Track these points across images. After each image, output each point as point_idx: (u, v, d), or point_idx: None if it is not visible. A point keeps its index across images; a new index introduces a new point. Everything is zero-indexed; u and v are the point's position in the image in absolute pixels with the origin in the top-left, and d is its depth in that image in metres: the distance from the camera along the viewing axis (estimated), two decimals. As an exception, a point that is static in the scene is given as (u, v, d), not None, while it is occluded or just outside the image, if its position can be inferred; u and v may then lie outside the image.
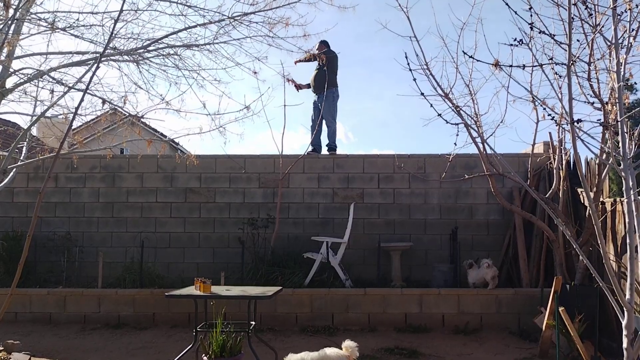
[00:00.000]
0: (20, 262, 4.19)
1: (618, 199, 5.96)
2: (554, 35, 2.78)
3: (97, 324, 7.09)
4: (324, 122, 8.91)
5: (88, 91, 5.75)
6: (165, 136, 8.80)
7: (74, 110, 6.20)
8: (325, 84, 8.67)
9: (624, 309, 2.75)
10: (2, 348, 5.39)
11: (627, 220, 2.73)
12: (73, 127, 10.66)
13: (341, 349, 4.57)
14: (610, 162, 3.23)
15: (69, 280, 7.97)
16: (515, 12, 2.72)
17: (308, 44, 6.78)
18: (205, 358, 4.82)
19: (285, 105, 8.42)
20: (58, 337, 6.47)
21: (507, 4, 2.66)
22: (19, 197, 8.54)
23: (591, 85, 4.63)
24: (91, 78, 3.32)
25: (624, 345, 2.71)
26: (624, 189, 2.57)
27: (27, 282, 7.52)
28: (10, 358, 5.12)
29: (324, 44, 8.97)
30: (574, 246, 2.91)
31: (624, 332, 2.73)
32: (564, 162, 7.26)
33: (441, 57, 6.19)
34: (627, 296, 2.76)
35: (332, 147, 8.94)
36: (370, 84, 52.11)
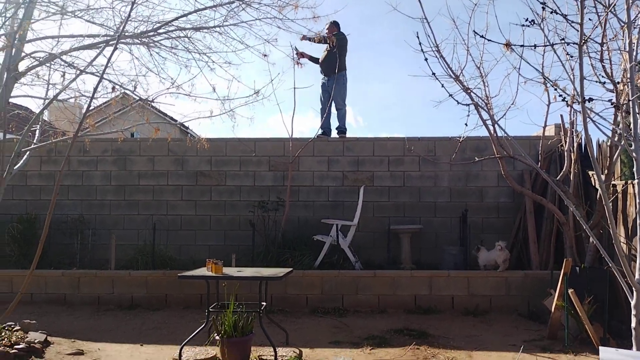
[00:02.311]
0: (41, 241, 4.27)
1: (629, 181, 5.93)
2: (567, 15, 2.75)
3: (110, 305, 7.21)
4: (333, 105, 8.90)
5: (99, 75, 5.80)
6: (175, 120, 8.85)
7: (84, 94, 6.27)
8: (334, 67, 8.64)
9: (633, 289, 2.76)
10: (20, 327, 5.50)
11: (638, 201, 2.73)
12: (86, 111, 10.75)
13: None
14: (622, 143, 3.22)
15: (82, 262, 8.10)
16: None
17: (318, 25, 6.76)
18: (217, 337, 4.90)
19: (295, 88, 8.40)
20: (73, 317, 6.59)
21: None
22: (32, 180, 8.65)
23: (603, 66, 4.59)
24: (108, 62, 3.33)
25: (633, 324, 2.73)
26: (634, 170, 2.57)
27: (42, 264, 7.59)
28: (27, 337, 5.23)
29: (334, 25, 8.92)
30: (584, 228, 2.91)
31: (633, 312, 2.75)
32: (575, 145, 7.22)
33: (452, 38, 6.18)
34: (637, 277, 2.77)
35: (342, 130, 8.94)
36: (377, 67, 51.75)
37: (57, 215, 8.29)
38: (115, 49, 3.92)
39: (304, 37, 8.41)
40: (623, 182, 6.24)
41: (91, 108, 9.64)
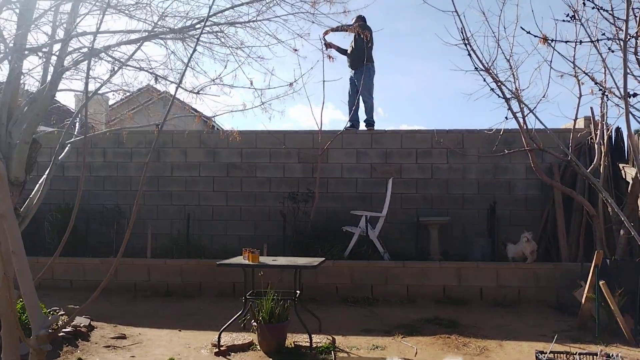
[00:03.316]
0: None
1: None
2: (612, 11, 2.81)
3: (146, 292, 7.45)
4: (360, 97, 8.99)
5: (139, 68, 5.98)
6: (204, 116, 9.03)
7: (123, 87, 6.48)
8: (361, 60, 8.72)
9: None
10: (64, 312, 5.75)
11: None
12: (113, 103, 10.98)
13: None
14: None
15: (118, 250, 8.33)
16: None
17: (348, 20, 6.85)
18: (254, 324, 5.08)
19: (324, 81, 8.50)
20: (111, 303, 6.83)
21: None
22: (69, 171, 8.92)
23: (637, 59, 4.61)
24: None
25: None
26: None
27: (80, 252, 7.91)
28: (72, 321, 5.46)
29: (360, 19, 8.99)
30: (622, 219, 2.98)
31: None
32: (605, 137, 7.21)
33: (482, 32, 6.20)
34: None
35: (370, 122, 9.03)
36: (399, 59, 51.45)
37: (92, 205, 8.56)
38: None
39: (327, 32, 8.52)
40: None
41: (122, 99, 9.87)
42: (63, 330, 5.15)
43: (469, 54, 3.68)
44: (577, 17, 2.94)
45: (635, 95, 2.68)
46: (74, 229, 8.09)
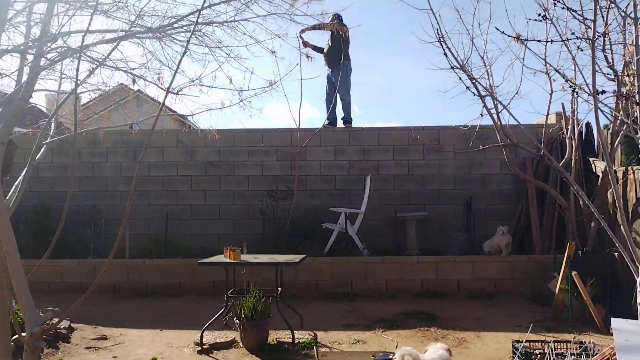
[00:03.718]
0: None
1: (630, 168, 6.13)
2: (579, 11, 2.92)
3: (127, 292, 7.41)
4: (338, 95, 9.06)
5: (116, 68, 5.94)
6: (181, 116, 9.01)
7: (98, 87, 6.44)
8: (338, 58, 8.80)
9: (639, 268, 2.97)
10: (43, 314, 5.68)
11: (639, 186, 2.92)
12: (87, 101, 10.86)
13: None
14: (624, 128, 3.39)
15: (96, 251, 8.28)
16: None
17: (325, 20, 6.92)
18: (236, 321, 5.11)
19: (301, 79, 8.56)
20: (91, 304, 6.77)
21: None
22: (44, 172, 8.80)
23: (605, 57, 4.77)
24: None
25: (639, 300, 2.94)
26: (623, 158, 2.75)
27: (58, 254, 7.79)
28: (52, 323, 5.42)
29: (337, 18, 9.04)
30: (593, 211, 3.10)
31: (638, 289, 2.96)
32: (576, 133, 7.41)
33: (457, 29, 6.32)
34: (642, 256, 2.97)
35: (347, 120, 9.11)
36: (373, 56, 51.72)
37: (70, 206, 8.40)
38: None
39: (304, 30, 8.58)
40: (624, 169, 6.44)
41: (92, 99, 9.74)
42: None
43: (445, 54, 3.77)
44: (548, 17, 3.05)
45: (603, 92, 2.80)
46: (50, 229, 8.02)
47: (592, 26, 3.48)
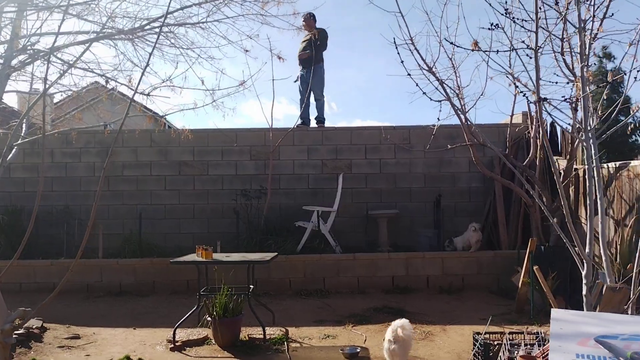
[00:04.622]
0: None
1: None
2: (522, 23, 3.11)
3: (100, 292, 7.44)
4: (312, 95, 9.19)
5: (88, 70, 5.99)
6: (155, 113, 9.04)
7: (70, 88, 6.47)
8: (312, 59, 8.92)
9: (584, 261, 3.16)
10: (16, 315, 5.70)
11: (587, 184, 3.12)
12: (58, 101, 10.80)
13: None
14: (580, 135, 3.58)
15: (69, 251, 8.26)
16: (490, 5, 3.05)
17: (297, 20, 7.03)
18: (209, 318, 5.21)
19: (273, 80, 8.70)
20: (65, 304, 6.79)
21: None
22: (16, 172, 8.74)
23: (564, 60, 4.99)
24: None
25: (584, 292, 3.13)
26: (584, 157, 2.95)
27: (30, 254, 7.78)
28: (24, 324, 5.44)
29: (311, 17, 9.15)
30: (543, 209, 3.29)
31: (584, 282, 3.15)
32: (541, 132, 7.65)
33: (425, 31, 6.48)
34: (587, 250, 3.17)
35: (320, 119, 9.25)
36: (351, 53, 51.99)
37: (42, 207, 8.42)
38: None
39: (303, 55, 8.79)
40: (584, 167, 6.70)
41: (64, 98, 9.70)
42: (15, 332, 5.13)
43: (415, 59, 3.93)
44: (500, 26, 3.23)
45: (545, 99, 2.99)
46: (22, 230, 7.98)
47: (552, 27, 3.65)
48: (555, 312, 2.37)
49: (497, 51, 3.18)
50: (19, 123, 5.39)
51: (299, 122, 9.19)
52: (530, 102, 3.57)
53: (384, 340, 4.19)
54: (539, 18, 2.95)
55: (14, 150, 6.49)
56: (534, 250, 6.00)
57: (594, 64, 16.28)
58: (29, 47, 4.88)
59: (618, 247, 5.64)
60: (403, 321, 4.18)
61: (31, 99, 6.83)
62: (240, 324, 5.30)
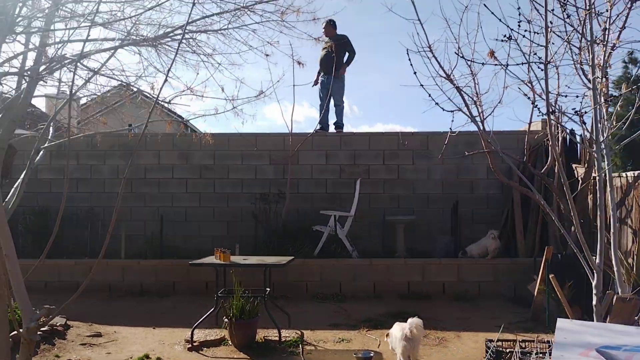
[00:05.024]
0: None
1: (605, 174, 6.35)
2: (531, 37, 3.15)
3: (121, 292, 7.62)
4: (332, 101, 9.29)
5: (112, 77, 6.17)
6: (177, 115, 9.23)
7: (95, 93, 6.68)
8: (333, 66, 9.01)
9: (594, 271, 3.19)
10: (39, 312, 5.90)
11: (598, 195, 3.15)
12: (83, 103, 11.07)
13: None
14: (594, 148, 3.60)
15: (92, 251, 8.48)
16: (500, 20, 3.10)
17: (317, 28, 7.14)
18: (226, 320, 5.33)
19: (294, 86, 8.82)
20: (87, 303, 6.96)
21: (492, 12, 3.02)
22: (42, 174, 9.00)
23: (582, 69, 4.99)
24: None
25: (594, 302, 3.15)
26: (595, 168, 2.98)
27: (55, 254, 7.98)
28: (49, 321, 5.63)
29: (331, 25, 9.24)
30: (553, 218, 3.32)
31: (594, 292, 3.18)
32: (551, 142, 7.61)
33: (443, 38, 6.51)
34: (597, 261, 3.19)
35: (339, 125, 9.34)
36: (374, 57, 51.93)
37: (67, 207, 8.63)
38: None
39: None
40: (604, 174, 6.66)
41: (89, 101, 9.93)
42: (40, 329, 5.32)
43: (433, 66, 4.00)
44: (513, 38, 3.28)
45: (554, 112, 3.03)
46: (48, 230, 8.21)
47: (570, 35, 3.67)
48: (560, 322, 2.42)
49: (507, 65, 3.22)
50: (47, 127, 5.59)
51: (318, 127, 9.29)
52: (541, 115, 3.60)
53: (387, 336, 4.62)
54: (550, 32, 2.99)
55: (41, 152, 6.71)
56: (550, 258, 5.99)
57: (622, 67, 16.06)
58: (56, 57, 5.06)
59: (635, 257, 5.60)
60: (417, 320, 4.42)
61: (58, 103, 7.07)
62: (256, 326, 5.41)
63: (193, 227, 8.94)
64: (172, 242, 8.45)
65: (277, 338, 5.33)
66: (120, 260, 7.94)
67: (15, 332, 2.97)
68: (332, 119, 9.48)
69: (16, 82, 5.51)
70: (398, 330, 4.48)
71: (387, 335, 4.73)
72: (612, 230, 3.44)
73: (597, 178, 3.09)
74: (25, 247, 8.23)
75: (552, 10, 3.13)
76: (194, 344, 5.27)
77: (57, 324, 5.62)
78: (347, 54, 9.29)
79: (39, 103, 11.62)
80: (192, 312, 6.50)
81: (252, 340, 5.32)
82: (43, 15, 4.99)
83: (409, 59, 4.02)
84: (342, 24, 9.24)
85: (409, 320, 4.45)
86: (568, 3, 3.18)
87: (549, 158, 7.50)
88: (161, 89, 3.83)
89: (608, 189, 3.18)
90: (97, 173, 9.09)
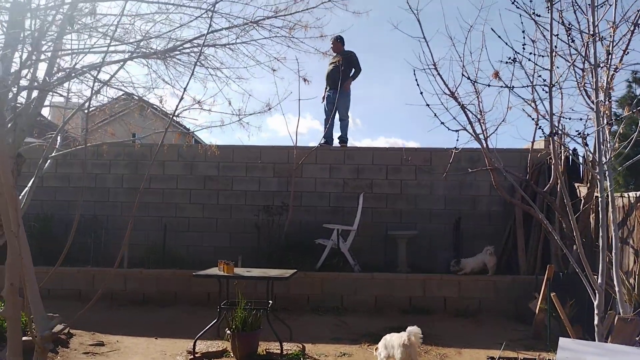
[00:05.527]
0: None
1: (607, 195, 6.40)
2: (535, 60, 3.22)
3: (123, 300, 7.65)
4: (337, 115, 9.37)
5: (121, 88, 6.27)
6: (184, 127, 9.31)
7: (104, 104, 6.77)
8: (339, 81, 9.10)
9: (596, 291, 3.23)
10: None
11: (600, 216, 3.19)
12: (90, 111, 11.16)
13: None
14: (597, 170, 3.65)
15: (95, 260, 8.52)
16: (506, 43, 3.18)
17: (324, 44, 7.24)
18: (228, 332, 5.36)
19: (299, 100, 8.91)
20: (89, 311, 6.94)
21: (498, 36, 3.10)
22: (48, 182, 9.07)
23: (585, 91, 5.07)
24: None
25: (595, 322, 3.19)
26: (597, 190, 3.03)
27: (57, 261, 8.06)
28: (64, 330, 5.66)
29: (339, 40, 9.36)
30: (555, 237, 3.37)
31: (595, 312, 3.21)
32: (562, 158, 7.68)
33: (448, 56, 6.60)
34: (599, 281, 3.23)
35: (343, 139, 9.41)
36: (379, 70, 52.19)
37: (72, 215, 8.74)
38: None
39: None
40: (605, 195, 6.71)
41: (94, 109, 10.01)
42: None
43: (438, 83, 4.07)
44: (517, 60, 3.35)
45: (556, 133, 3.09)
46: (53, 238, 8.28)
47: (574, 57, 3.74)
48: (562, 341, 2.45)
49: (512, 87, 3.29)
50: (55, 136, 5.66)
51: (322, 140, 9.36)
52: (543, 135, 3.66)
53: (375, 349, 4.89)
54: (554, 57, 3.06)
55: (49, 161, 6.78)
56: (551, 277, 6.02)
57: (626, 87, 16.17)
58: (67, 68, 5.15)
59: (637, 277, 5.63)
60: (415, 328, 4.76)
61: (66, 113, 7.15)
62: (258, 338, 5.43)
63: (196, 237, 8.98)
64: (174, 252, 8.49)
65: (278, 351, 5.35)
66: (122, 269, 7.96)
67: (26, 338, 3.02)
68: (336, 133, 9.55)
69: (26, 92, 5.59)
70: (396, 338, 4.75)
71: (376, 348, 4.94)
72: (613, 250, 3.48)
73: (600, 198, 3.14)
74: (31, 253, 8.27)
75: (557, 35, 3.20)
76: (196, 355, 5.29)
77: (60, 332, 5.64)
78: (353, 70, 9.40)
79: (45, 112, 11.72)
80: (194, 322, 6.52)
81: (254, 353, 5.34)
82: (54, 29, 5.08)
83: (416, 79, 4.07)
84: (348, 38, 9.36)
85: (408, 328, 4.69)
86: (572, 28, 3.25)
87: (552, 176, 7.56)
88: (177, 106, 3.90)
89: (610, 209, 3.23)
90: (102, 182, 9.15)
